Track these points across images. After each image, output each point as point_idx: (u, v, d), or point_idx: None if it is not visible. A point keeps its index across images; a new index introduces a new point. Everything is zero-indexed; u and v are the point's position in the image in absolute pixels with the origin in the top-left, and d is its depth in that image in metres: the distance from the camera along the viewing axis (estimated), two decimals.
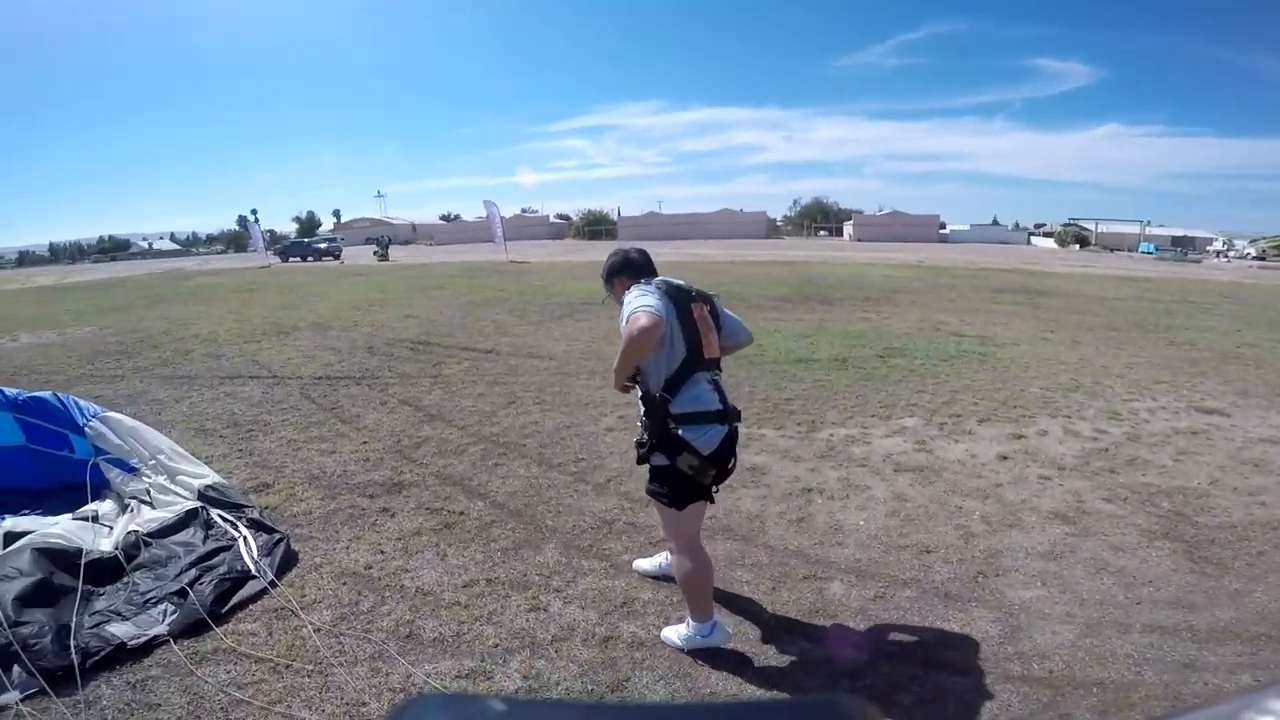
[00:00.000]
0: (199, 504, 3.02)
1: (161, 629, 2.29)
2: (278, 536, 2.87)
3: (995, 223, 62.11)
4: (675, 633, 2.22)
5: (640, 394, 2.10)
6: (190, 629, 2.33)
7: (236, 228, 73.94)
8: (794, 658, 2.20)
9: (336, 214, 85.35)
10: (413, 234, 65.69)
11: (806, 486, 3.54)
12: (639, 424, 2.14)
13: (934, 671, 2.13)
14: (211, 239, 77.28)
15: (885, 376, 5.83)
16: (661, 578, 2.60)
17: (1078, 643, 2.25)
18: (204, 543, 2.78)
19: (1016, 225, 61.99)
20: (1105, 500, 3.42)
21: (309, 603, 2.50)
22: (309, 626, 2.34)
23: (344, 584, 2.62)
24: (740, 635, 2.30)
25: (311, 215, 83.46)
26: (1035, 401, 5.17)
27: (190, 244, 76.25)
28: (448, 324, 9.10)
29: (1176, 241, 46.18)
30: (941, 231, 54.25)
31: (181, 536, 2.83)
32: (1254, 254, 40.77)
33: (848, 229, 57.96)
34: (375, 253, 30.96)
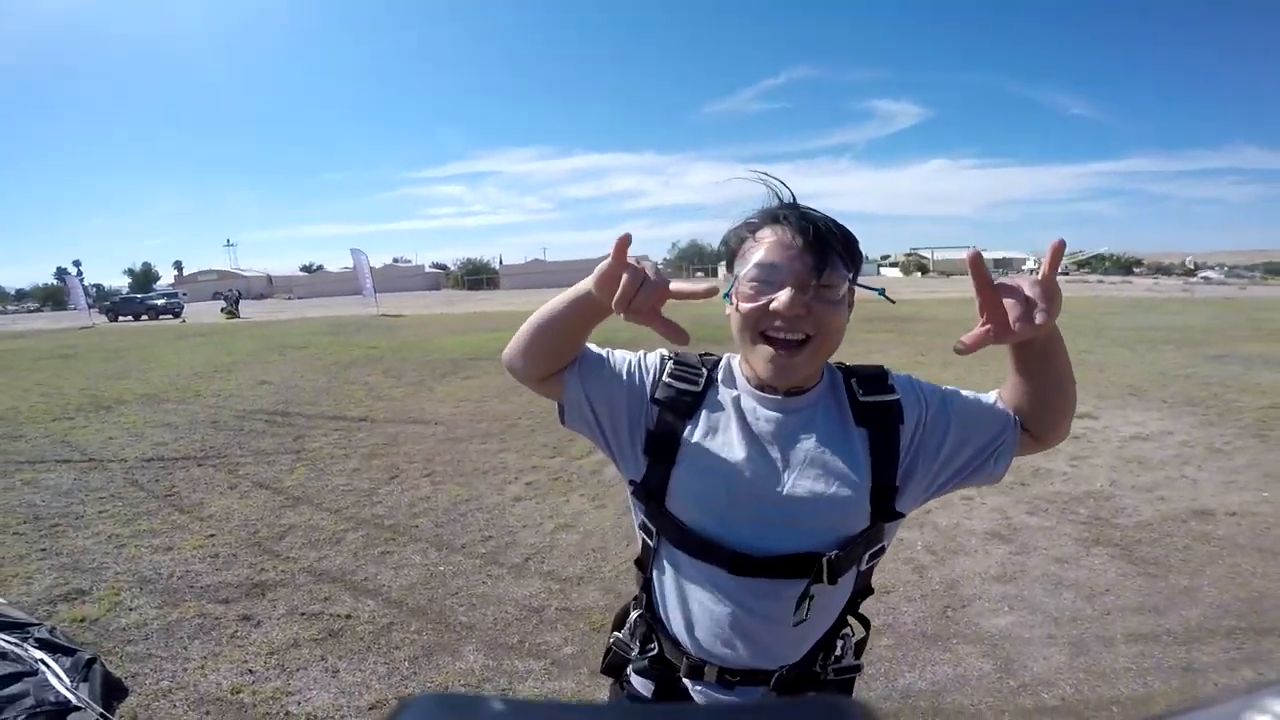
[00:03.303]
0: None
1: None
2: (85, 656, 2.23)
3: None
4: None
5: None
6: None
7: (54, 282, 64.17)
8: None
9: (178, 266, 76.99)
10: (268, 287, 60.66)
11: None
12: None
13: None
14: (22, 295, 65.84)
15: None
16: None
17: (1073, 664, 2.20)
18: None
19: (866, 258, 68.52)
20: (1030, 514, 3.46)
21: None
22: None
23: (207, 714, 2.08)
24: None
25: (147, 267, 74.72)
26: None
27: None
28: (311, 389, 7.96)
29: (999, 263, 53.48)
30: None
31: None
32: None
33: (721, 270, 61.08)
34: (223, 309, 27.93)
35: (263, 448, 5.32)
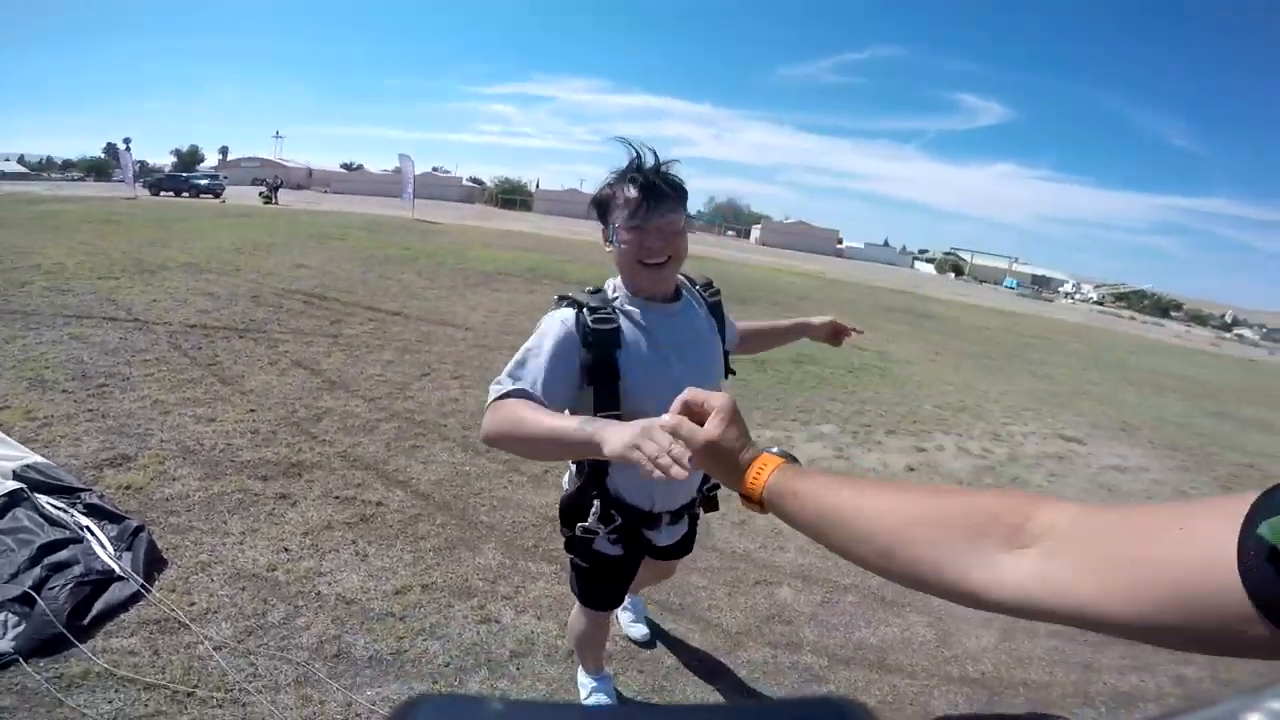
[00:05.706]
0: (19, 485, 2.34)
1: (5, 645, 1.75)
2: (133, 525, 2.29)
3: (886, 244, 66.79)
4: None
5: None
6: (44, 645, 1.80)
7: (102, 155, 64.55)
8: (764, 666, 2.21)
9: (223, 150, 77.91)
10: (307, 179, 60.64)
11: None
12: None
13: (887, 674, 2.24)
14: (69, 165, 66.24)
15: (800, 382, 6.01)
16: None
17: (999, 646, 2.48)
18: (45, 530, 2.19)
19: (904, 249, 66.97)
20: None
21: (200, 613, 2.03)
22: (207, 643, 1.89)
23: (243, 589, 2.16)
24: (709, 644, 2.27)
25: (195, 149, 75.57)
26: (930, 418, 5.54)
27: (42, 168, 64.84)
28: (347, 279, 8.24)
29: (1036, 280, 52.45)
30: (839, 246, 57.65)
31: (7, 524, 2.17)
32: (1095, 299, 47.42)
33: (755, 232, 60.03)
34: (261, 194, 28.13)
35: (301, 327, 5.60)
